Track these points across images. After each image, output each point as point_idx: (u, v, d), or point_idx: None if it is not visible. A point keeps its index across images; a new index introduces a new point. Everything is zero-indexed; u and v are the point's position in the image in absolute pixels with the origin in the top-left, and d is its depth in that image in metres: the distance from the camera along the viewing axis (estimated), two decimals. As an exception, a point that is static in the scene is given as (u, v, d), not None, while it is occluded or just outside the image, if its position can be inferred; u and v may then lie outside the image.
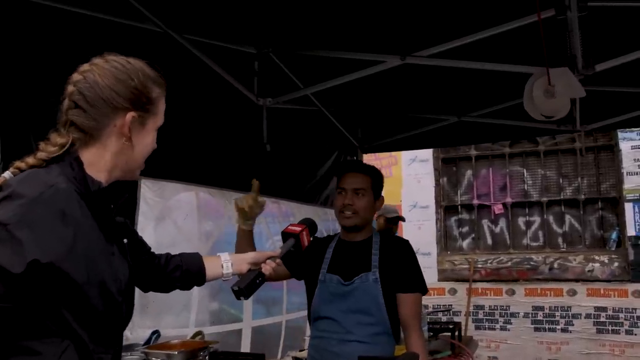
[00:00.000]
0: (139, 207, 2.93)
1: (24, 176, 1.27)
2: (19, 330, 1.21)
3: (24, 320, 1.21)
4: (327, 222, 4.88)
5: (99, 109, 1.37)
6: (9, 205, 1.19)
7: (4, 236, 1.15)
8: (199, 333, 3.18)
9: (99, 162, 1.39)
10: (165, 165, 2.93)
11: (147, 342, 2.88)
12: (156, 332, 2.95)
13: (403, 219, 5.79)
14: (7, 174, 1.30)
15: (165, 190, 3.16)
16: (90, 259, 1.28)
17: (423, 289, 2.52)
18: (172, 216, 3.37)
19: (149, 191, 3.02)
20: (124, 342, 2.78)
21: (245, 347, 3.97)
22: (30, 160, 1.32)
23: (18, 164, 1.32)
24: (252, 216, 2.56)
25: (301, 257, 2.51)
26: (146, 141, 1.47)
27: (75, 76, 1.40)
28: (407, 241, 2.61)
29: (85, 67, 1.41)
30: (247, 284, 1.83)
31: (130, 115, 1.39)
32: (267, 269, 1.90)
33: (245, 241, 2.57)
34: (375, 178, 2.61)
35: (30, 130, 2.15)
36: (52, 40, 2.29)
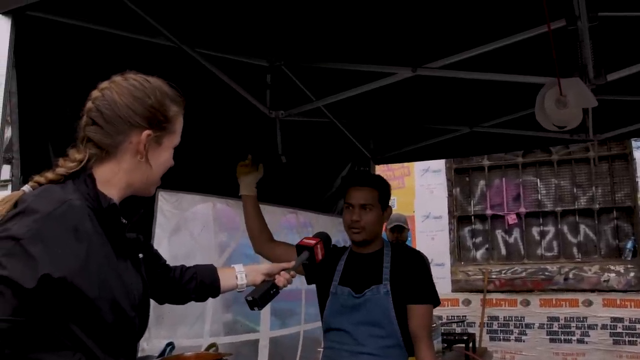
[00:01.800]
0: (156, 219, 2.95)
1: (39, 192, 1.29)
2: (32, 343, 1.23)
3: (37, 333, 1.23)
4: (344, 232, 4.87)
5: (116, 127, 1.39)
6: (23, 220, 1.21)
7: (17, 251, 1.17)
8: (213, 345, 3.19)
9: (114, 179, 1.41)
10: (183, 177, 2.97)
11: (162, 354, 2.90)
12: (170, 344, 2.97)
13: (402, 227, 5.53)
14: (26, 188, 1.33)
15: (183, 202, 3.18)
16: (102, 275, 1.30)
17: (435, 301, 2.51)
18: (189, 228, 3.38)
19: (166, 203, 3.04)
20: (140, 354, 2.81)
21: (263, 357, 3.97)
22: (50, 175, 1.35)
23: (37, 178, 1.35)
24: (253, 179, 2.78)
25: (316, 267, 2.55)
26: (162, 159, 1.49)
27: (94, 93, 1.43)
28: (419, 252, 2.60)
29: (105, 84, 1.44)
30: (261, 295, 1.85)
31: (146, 133, 1.41)
32: (280, 280, 1.91)
33: (252, 209, 2.75)
34: (382, 190, 2.59)
35: (49, 140, 2.20)
36: (68, 54, 2.34)
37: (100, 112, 1.39)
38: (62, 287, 1.20)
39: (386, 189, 2.63)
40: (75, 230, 1.24)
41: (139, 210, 1.53)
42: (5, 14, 1.96)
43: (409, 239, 7.82)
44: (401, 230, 5.44)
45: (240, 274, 1.91)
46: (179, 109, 1.51)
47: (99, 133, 1.39)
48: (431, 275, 2.56)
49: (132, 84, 1.43)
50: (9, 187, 2.07)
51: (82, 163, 1.37)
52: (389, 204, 2.65)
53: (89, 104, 1.42)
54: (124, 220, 1.44)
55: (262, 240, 2.76)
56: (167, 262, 1.85)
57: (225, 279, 1.90)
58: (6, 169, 2.12)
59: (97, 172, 1.39)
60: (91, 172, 1.38)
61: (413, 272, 2.50)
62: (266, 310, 4.03)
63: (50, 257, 1.18)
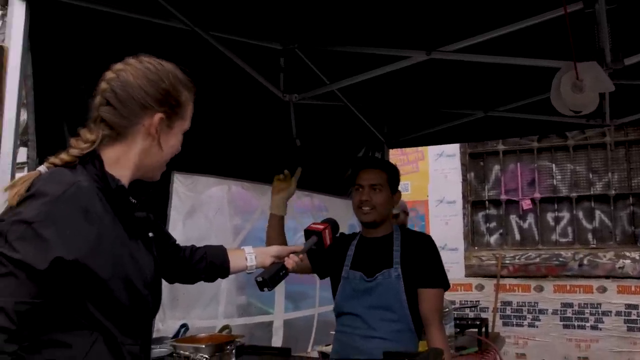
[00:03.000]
0: (171, 201, 2.97)
1: (48, 175, 1.31)
2: (50, 323, 1.25)
3: (55, 314, 1.25)
4: (359, 215, 4.88)
5: (129, 108, 1.41)
6: (33, 204, 1.22)
7: (29, 234, 1.19)
8: (226, 327, 3.22)
9: (124, 160, 1.43)
10: (198, 159, 2.99)
11: (176, 335, 2.94)
12: (184, 326, 3.01)
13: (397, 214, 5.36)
14: (42, 168, 1.35)
15: (198, 185, 3.20)
16: (114, 255, 1.32)
17: (445, 285, 2.52)
18: (204, 210, 3.41)
19: (181, 185, 3.05)
20: (155, 334, 2.85)
21: (278, 339, 4.01)
22: (64, 156, 1.36)
23: (52, 159, 1.36)
24: (283, 198, 2.68)
25: (324, 255, 2.57)
26: (171, 143, 1.50)
27: (109, 74, 1.44)
28: (429, 236, 2.60)
29: (119, 66, 1.45)
30: (271, 276, 1.87)
31: (158, 115, 1.43)
32: (289, 262, 1.93)
33: (277, 227, 2.67)
34: (391, 173, 2.62)
35: (64, 122, 2.22)
36: (82, 37, 2.35)
37: (115, 92, 1.41)
38: (76, 269, 1.23)
39: (395, 172, 2.65)
40: (85, 211, 1.26)
41: (148, 189, 1.54)
42: (20, -3, 1.98)
43: (423, 223, 7.83)
44: (395, 216, 5.27)
45: (249, 256, 1.93)
46: (190, 95, 1.53)
47: (112, 113, 1.41)
48: (441, 259, 2.56)
49: (146, 66, 1.45)
50: (26, 169, 2.09)
51: (95, 143, 1.39)
52: (399, 189, 2.65)
53: (103, 85, 1.43)
54: (133, 200, 1.45)
55: None
56: (178, 243, 1.87)
57: (235, 260, 1.91)
58: (22, 152, 2.14)
59: (106, 154, 1.41)
60: (99, 153, 1.40)
61: (423, 256, 2.51)
62: (280, 293, 4.06)
63: (62, 240, 1.20)
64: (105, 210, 1.33)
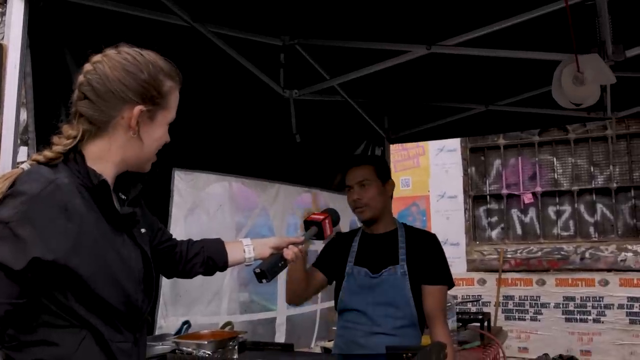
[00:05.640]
0: (172, 198, 2.96)
1: (26, 173, 1.28)
2: (36, 322, 1.24)
3: (40, 313, 1.24)
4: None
5: (107, 102, 1.36)
6: (10, 203, 1.20)
7: (6, 234, 1.17)
8: (228, 323, 3.22)
9: (106, 155, 1.39)
10: (198, 156, 2.98)
11: (178, 332, 2.93)
12: (187, 323, 3.00)
13: None
14: (25, 166, 1.31)
15: (199, 181, 3.19)
16: (97, 252, 1.29)
17: (449, 282, 2.52)
18: (205, 207, 3.40)
19: (182, 182, 3.04)
20: (158, 331, 2.84)
21: (280, 336, 4.00)
22: (48, 153, 1.33)
23: (36, 157, 1.33)
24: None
25: (330, 258, 2.60)
26: (155, 135, 1.45)
27: (87, 66, 1.40)
28: (434, 235, 2.60)
29: (97, 57, 1.41)
30: (270, 267, 1.85)
31: (137, 108, 1.37)
32: (288, 253, 1.91)
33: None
34: (378, 164, 2.60)
35: (64, 118, 2.21)
36: (81, 34, 2.34)
37: (92, 86, 1.36)
38: (55, 268, 1.21)
39: (382, 163, 2.66)
40: (64, 209, 1.23)
41: (137, 185, 1.51)
42: (19, -6, 1.97)
43: (424, 218, 7.83)
44: None
45: (247, 248, 1.89)
46: (174, 84, 1.47)
47: (90, 108, 1.37)
48: (446, 258, 2.56)
49: (125, 57, 1.40)
50: (26, 168, 2.08)
51: (77, 139, 1.35)
52: (390, 177, 2.64)
53: (81, 78, 1.39)
54: (123, 196, 1.42)
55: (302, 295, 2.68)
56: (175, 237, 1.83)
57: (233, 252, 1.88)
58: (23, 151, 2.13)
59: (88, 149, 1.37)
60: (80, 149, 1.36)
61: (429, 253, 2.51)
62: (282, 289, 4.06)
63: (40, 239, 1.18)
64: (88, 206, 1.30)
